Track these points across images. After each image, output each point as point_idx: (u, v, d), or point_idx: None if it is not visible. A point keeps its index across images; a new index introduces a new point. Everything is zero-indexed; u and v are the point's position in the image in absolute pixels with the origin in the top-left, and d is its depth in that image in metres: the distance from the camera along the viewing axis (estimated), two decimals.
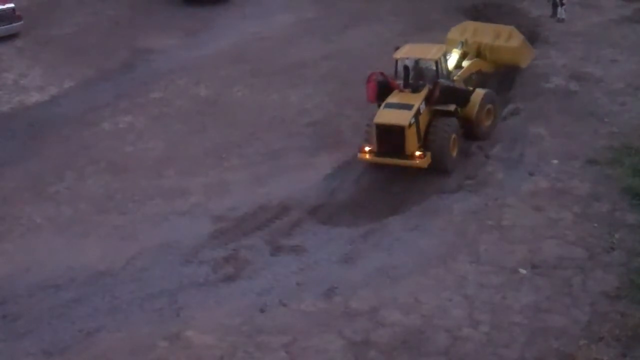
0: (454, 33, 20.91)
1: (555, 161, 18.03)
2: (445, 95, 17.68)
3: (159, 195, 17.56)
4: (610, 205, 16.17)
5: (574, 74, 22.64)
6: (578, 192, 16.76)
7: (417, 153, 17.01)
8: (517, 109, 20.98)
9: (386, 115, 17.30)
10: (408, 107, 17.26)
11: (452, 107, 17.92)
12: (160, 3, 30.41)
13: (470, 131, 18.58)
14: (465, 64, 19.87)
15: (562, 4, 26.76)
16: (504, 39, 20.49)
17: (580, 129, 19.52)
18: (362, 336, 12.60)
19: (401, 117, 17.05)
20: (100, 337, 13.03)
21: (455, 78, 18.93)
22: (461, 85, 18.77)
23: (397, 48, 18.86)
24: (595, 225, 15.53)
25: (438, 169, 17.35)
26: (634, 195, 16.34)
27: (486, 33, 20.72)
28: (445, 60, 18.59)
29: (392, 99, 17.71)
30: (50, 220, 16.77)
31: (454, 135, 17.68)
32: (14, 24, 26.17)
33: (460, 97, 18.25)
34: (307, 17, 28.61)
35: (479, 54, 20.45)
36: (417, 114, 17.24)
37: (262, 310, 13.35)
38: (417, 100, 17.42)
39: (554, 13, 27.07)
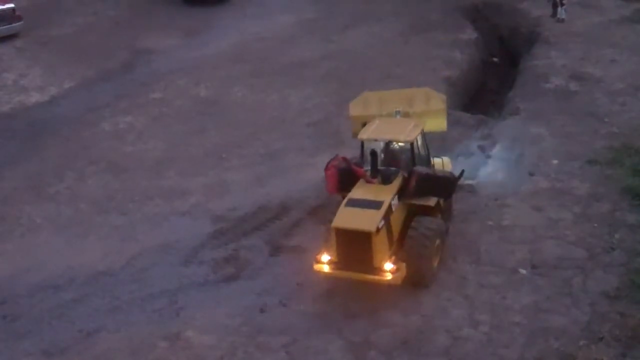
0: (356, 108, 15.93)
1: (555, 161, 18.02)
2: (424, 186, 13.83)
3: (159, 195, 17.56)
4: (610, 205, 16.16)
5: (574, 74, 22.66)
6: (578, 192, 16.75)
7: (388, 266, 12.99)
8: (517, 109, 21.00)
9: (348, 217, 13.17)
10: (376, 204, 13.25)
11: (432, 202, 13.96)
12: (160, 3, 30.47)
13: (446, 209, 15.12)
14: None
15: (562, 4, 26.80)
16: (423, 102, 15.87)
17: (580, 129, 19.52)
18: (362, 336, 12.59)
19: (367, 220, 12.99)
20: (100, 337, 13.02)
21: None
22: (444, 171, 14.91)
23: (364, 124, 14.94)
24: (595, 225, 15.52)
25: (414, 284, 13.58)
26: (634, 195, 16.33)
27: (398, 101, 15.83)
28: (425, 140, 14.84)
29: (357, 192, 13.73)
30: (50, 220, 16.77)
31: (437, 241, 13.82)
32: (14, 24, 26.25)
33: (444, 186, 14.26)
34: (307, 17, 28.65)
35: None
36: (388, 212, 13.34)
37: (262, 310, 13.35)
38: (387, 195, 13.52)
39: (554, 13, 27.10)
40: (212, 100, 22.36)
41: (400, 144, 14.44)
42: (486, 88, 25.26)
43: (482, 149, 19.01)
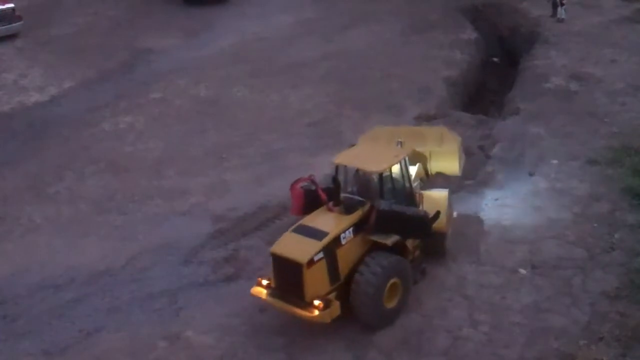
0: (365, 142, 15.44)
1: (555, 161, 18.02)
2: (386, 222, 12.76)
3: (159, 195, 17.56)
4: (610, 205, 16.15)
5: (574, 74, 22.66)
6: (578, 192, 16.75)
7: (316, 302, 12.06)
8: (517, 109, 21.00)
9: (287, 244, 12.48)
10: (320, 235, 12.36)
11: (389, 241, 12.69)
12: (160, 3, 30.47)
13: (435, 247, 14.20)
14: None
15: (562, 4, 26.82)
16: (436, 142, 15.32)
17: (580, 129, 19.52)
18: (362, 336, 12.59)
19: (302, 250, 12.16)
20: (100, 337, 13.02)
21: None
22: (414, 210, 13.32)
23: (351, 145, 14.45)
24: (595, 225, 15.52)
25: (363, 324, 12.73)
26: (634, 195, 16.32)
27: (409, 138, 15.03)
28: (405, 173, 13.57)
29: (311, 219, 12.96)
30: (50, 220, 16.77)
31: (391, 281, 12.64)
32: (14, 24, 26.25)
33: (411, 226, 12.94)
34: (307, 17, 28.65)
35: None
36: (335, 245, 12.37)
37: (262, 310, 13.34)
38: (339, 226, 12.60)
39: (554, 13, 27.12)
40: (212, 100, 22.36)
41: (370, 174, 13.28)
42: (486, 88, 25.26)
43: (482, 149, 19.02)
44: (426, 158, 14.91)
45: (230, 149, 19.50)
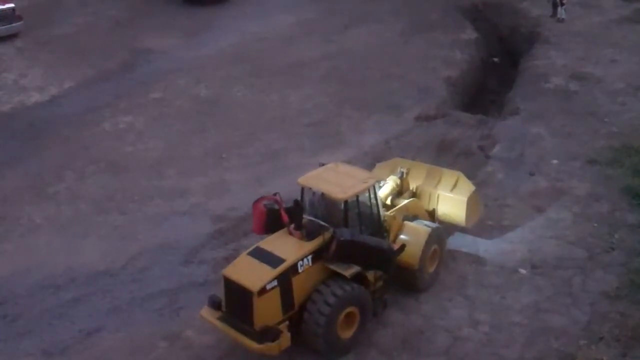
0: (380, 171, 15.12)
1: (555, 161, 18.03)
2: (347, 252, 12.11)
3: (159, 195, 17.56)
4: (610, 205, 16.17)
5: (574, 74, 22.68)
6: (578, 192, 16.77)
7: (264, 333, 11.57)
8: (517, 109, 21.00)
9: (241, 268, 11.95)
10: (276, 262, 11.81)
11: (348, 272, 12.11)
12: (160, 3, 30.46)
13: (408, 281, 13.58)
14: (396, 202, 14.29)
15: (562, 4, 26.83)
16: (447, 186, 14.69)
17: (580, 129, 19.53)
18: (363, 336, 12.58)
19: (255, 277, 11.63)
20: (100, 337, 13.03)
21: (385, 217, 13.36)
22: (377, 241, 12.65)
23: (321, 164, 13.73)
24: (595, 225, 15.54)
25: (315, 351, 12.23)
26: (634, 195, 16.34)
27: (424, 175, 14.92)
28: (374, 200, 12.93)
29: (269, 242, 12.41)
30: (50, 220, 16.76)
31: (346, 310, 12.10)
32: (14, 24, 26.25)
33: (374, 257, 12.38)
34: (307, 17, 28.65)
35: (414, 194, 14.78)
36: (291, 273, 11.82)
37: None
38: (298, 253, 12.01)
39: (554, 13, 27.13)
40: (212, 100, 22.36)
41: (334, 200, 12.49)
42: (486, 88, 25.27)
43: (482, 149, 19.02)
44: (423, 210, 14.33)
45: (230, 149, 19.50)
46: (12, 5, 26.30)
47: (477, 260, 14.57)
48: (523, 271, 14.26)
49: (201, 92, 22.87)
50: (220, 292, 12.19)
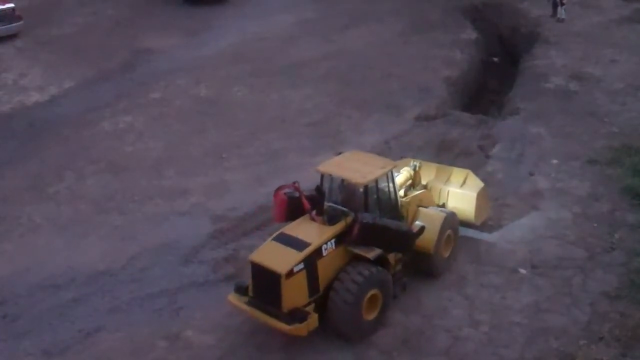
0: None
1: (555, 161, 18.03)
2: (369, 235, 12.52)
3: (159, 195, 17.55)
4: (610, 205, 16.17)
5: (574, 74, 22.69)
6: (578, 192, 16.77)
7: (294, 314, 12.00)
8: (517, 109, 21.00)
9: (267, 253, 12.32)
10: (301, 245, 12.19)
11: (371, 255, 12.53)
12: (160, 3, 30.47)
13: (423, 266, 13.98)
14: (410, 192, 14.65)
15: (562, 4, 26.84)
16: (457, 183, 15.24)
17: (580, 129, 19.53)
18: (362, 337, 12.59)
19: (282, 260, 11.98)
20: (100, 337, 13.02)
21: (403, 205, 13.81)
22: (397, 224, 13.13)
23: (338, 153, 14.30)
24: (595, 225, 15.54)
25: (340, 336, 12.55)
26: (634, 195, 16.34)
27: (434, 173, 15.46)
28: (391, 185, 13.39)
29: (292, 228, 12.80)
30: (50, 220, 16.76)
31: (371, 292, 12.46)
32: (14, 24, 26.26)
33: (394, 240, 12.88)
34: (307, 17, 28.66)
35: (425, 188, 15.09)
36: (316, 256, 12.19)
37: None
38: (321, 237, 12.39)
39: (554, 13, 27.14)
40: (212, 100, 22.35)
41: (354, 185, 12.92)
42: (486, 88, 25.28)
43: (482, 149, 19.02)
44: (434, 202, 14.69)
45: (230, 149, 19.50)
46: (12, 5, 26.31)
47: (477, 260, 14.57)
48: (523, 271, 14.26)
49: (201, 92, 22.87)
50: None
